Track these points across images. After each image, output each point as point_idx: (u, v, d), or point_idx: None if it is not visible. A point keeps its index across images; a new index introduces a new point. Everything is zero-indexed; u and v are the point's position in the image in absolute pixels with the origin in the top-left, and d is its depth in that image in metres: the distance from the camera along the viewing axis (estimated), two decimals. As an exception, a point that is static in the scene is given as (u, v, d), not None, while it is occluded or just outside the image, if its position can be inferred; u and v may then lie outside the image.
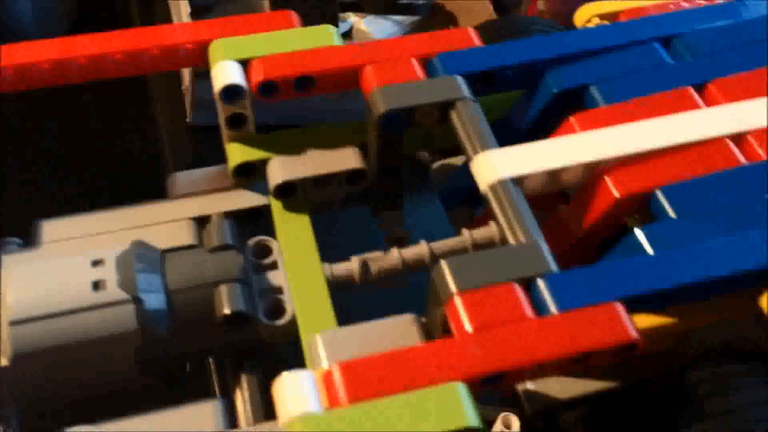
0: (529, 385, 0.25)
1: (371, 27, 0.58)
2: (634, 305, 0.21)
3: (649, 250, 0.22)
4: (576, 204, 0.24)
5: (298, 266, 0.25)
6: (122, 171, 0.43)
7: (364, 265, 0.25)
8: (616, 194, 0.23)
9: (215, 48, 0.26)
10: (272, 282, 0.25)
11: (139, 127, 0.44)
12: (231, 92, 0.26)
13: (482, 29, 0.29)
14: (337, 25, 0.47)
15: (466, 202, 0.30)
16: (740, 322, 0.23)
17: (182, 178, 0.29)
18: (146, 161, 0.44)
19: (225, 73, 0.26)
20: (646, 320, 0.23)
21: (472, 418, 0.18)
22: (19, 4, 0.44)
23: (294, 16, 0.28)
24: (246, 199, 0.28)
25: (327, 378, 0.19)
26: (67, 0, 0.47)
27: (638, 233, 0.22)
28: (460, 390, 0.19)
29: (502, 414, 0.35)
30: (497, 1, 0.54)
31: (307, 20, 0.29)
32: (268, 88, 0.26)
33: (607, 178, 0.23)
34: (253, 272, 0.25)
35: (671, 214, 0.23)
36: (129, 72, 0.27)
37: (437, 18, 0.58)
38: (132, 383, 0.24)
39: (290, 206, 0.27)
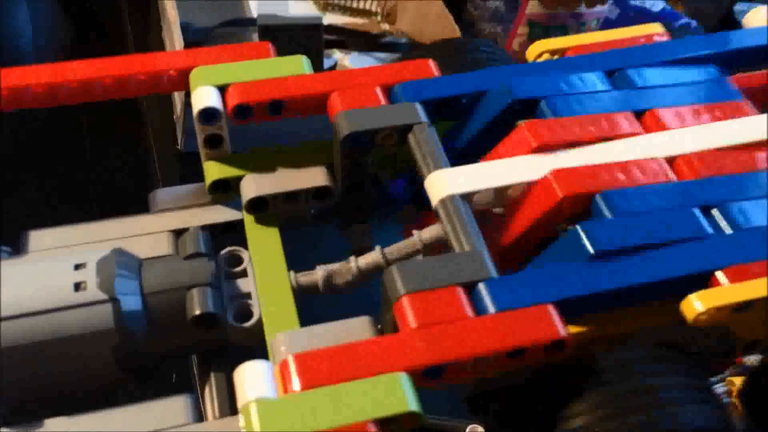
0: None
1: (355, 63, 0.61)
2: (569, 308, 0.23)
3: (588, 245, 0.24)
4: (518, 204, 0.26)
5: (266, 274, 0.27)
6: (114, 191, 0.45)
7: (328, 275, 0.27)
8: (560, 193, 0.25)
9: (195, 75, 0.29)
10: (242, 288, 0.27)
11: (132, 151, 0.47)
12: (208, 114, 0.28)
13: (437, 49, 0.32)
14: (322, 61, 0.49)
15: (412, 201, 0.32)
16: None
17: (162, 194, 0.31)
18: (138, 184, 0.46)
19: (203, 97, 0.28)
20: (582, 326, 0.24)
21: (413, 404, 0.20)
22: (17, 24, 0.47)
23: (270, 46, 0.31)
24: (222, 213, 0.30)
25: (283, 368, 0.21)
26: (64, 22, 0.50)
27: (578, 228, 0.24)
28: (402, 379, 0.21)
29: (470, 426, 0.37)
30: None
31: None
32: (242, 111, 0.28)
33: (551, 178, 0.25)
34: (224, 279, 0.27)
35: (608, 215, 0.25)
36: (117, 95, 0.30)
37: (415, 55, 0.61)
38: (111, 380, 0.26)
39: (262, 220, 0.29)
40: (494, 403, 0.26)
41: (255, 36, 0.49)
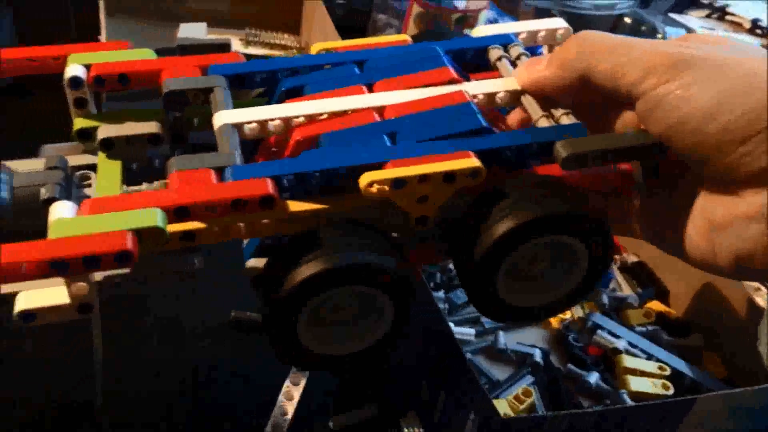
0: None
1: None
2: (294, 186, 0.35)
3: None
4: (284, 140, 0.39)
5: (105, 188, 0.39)
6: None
7: (147, 189, 0.39)
8: (298, 137, 0.37)
9: (71, 58, 0.42)
10: (86, 193, 0.39)
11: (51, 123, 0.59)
12: (75, 82, 0.40)
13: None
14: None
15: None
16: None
17: (48, 147, 0.43)
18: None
19: (71, 70, 0.41)
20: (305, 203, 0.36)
21: (160, 221, 0.32)
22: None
23: (129, 44, 0.44)
24: (87, 158, 0.42)
25: (83, 205, 0.33)
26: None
27: (302, 155, 0.36)
28: (156, 210, 0.32)
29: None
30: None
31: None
32: (99, 81, 0.41)
33: (295, 131, 0.38)
34: (75, 188, 0.39)
35: (324, 143, 0.37)
36: (20, 72, 0.42)
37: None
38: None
39: (110, 155, 0.41)
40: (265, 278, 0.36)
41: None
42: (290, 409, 0.60)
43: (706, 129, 0.32)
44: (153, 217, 0.32)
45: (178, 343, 0.62)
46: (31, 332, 0.55)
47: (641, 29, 1.09)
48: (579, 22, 1.06)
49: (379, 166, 0.35)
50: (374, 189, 0.34)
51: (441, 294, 0.69)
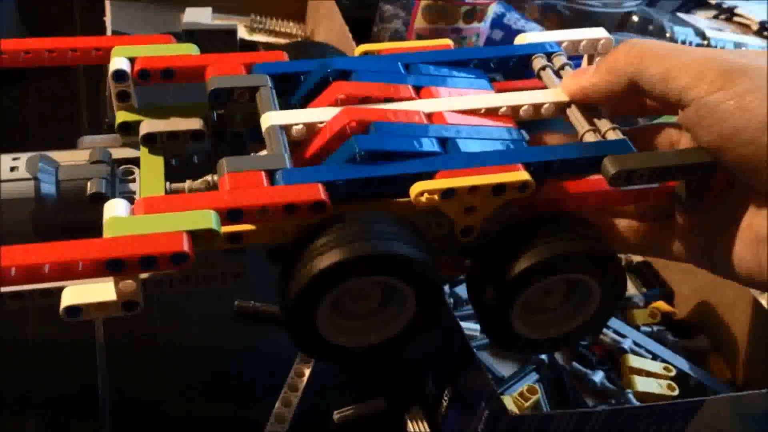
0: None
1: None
2: (344, 191, 0.35)
3: (356, 145, 0.36)
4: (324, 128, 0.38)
5: (148, 183, 0.39)
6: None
7: (190, 186, 0.39)
8: (347, 119, 0.37)
9: (115, 50, 0.41)
10: (130, 188, 0.39)
11: (65, 117, 0.58)
12: (119, 75, 0.40)
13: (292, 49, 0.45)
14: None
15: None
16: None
17: (87, 139, 0.43)
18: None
19: (117, 63, 0.40)
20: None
21: (214, 224, 0.32)
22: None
23: (172, 38, 0.43)
24: (128, 152, 0.42)
25: (136, 204, 0.33)
26: (21, 29, 0.61)
27: (353, 138, 0.36)
28: (211, 213, 0.32)
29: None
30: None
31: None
32: (143, 75, 0.40)
33: (343, 111, 0.38)
34: (119, 183, 0.39)
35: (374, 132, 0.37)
36: (61, 62, 0.42)
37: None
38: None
39: (152, 150, 0.40)
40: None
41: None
42: (294, 400, 0.60)
43: (761, 140, 0.33)
44: (208, 220, 0.32)
45: (179, 332, 0.62)
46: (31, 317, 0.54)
47: (648, 28, 1.09)
48: (586, 18, 1.05)
49: (429, 175, 0.35)
50: (424, 198, 0.34)
51: (446, 289, 0.70)
